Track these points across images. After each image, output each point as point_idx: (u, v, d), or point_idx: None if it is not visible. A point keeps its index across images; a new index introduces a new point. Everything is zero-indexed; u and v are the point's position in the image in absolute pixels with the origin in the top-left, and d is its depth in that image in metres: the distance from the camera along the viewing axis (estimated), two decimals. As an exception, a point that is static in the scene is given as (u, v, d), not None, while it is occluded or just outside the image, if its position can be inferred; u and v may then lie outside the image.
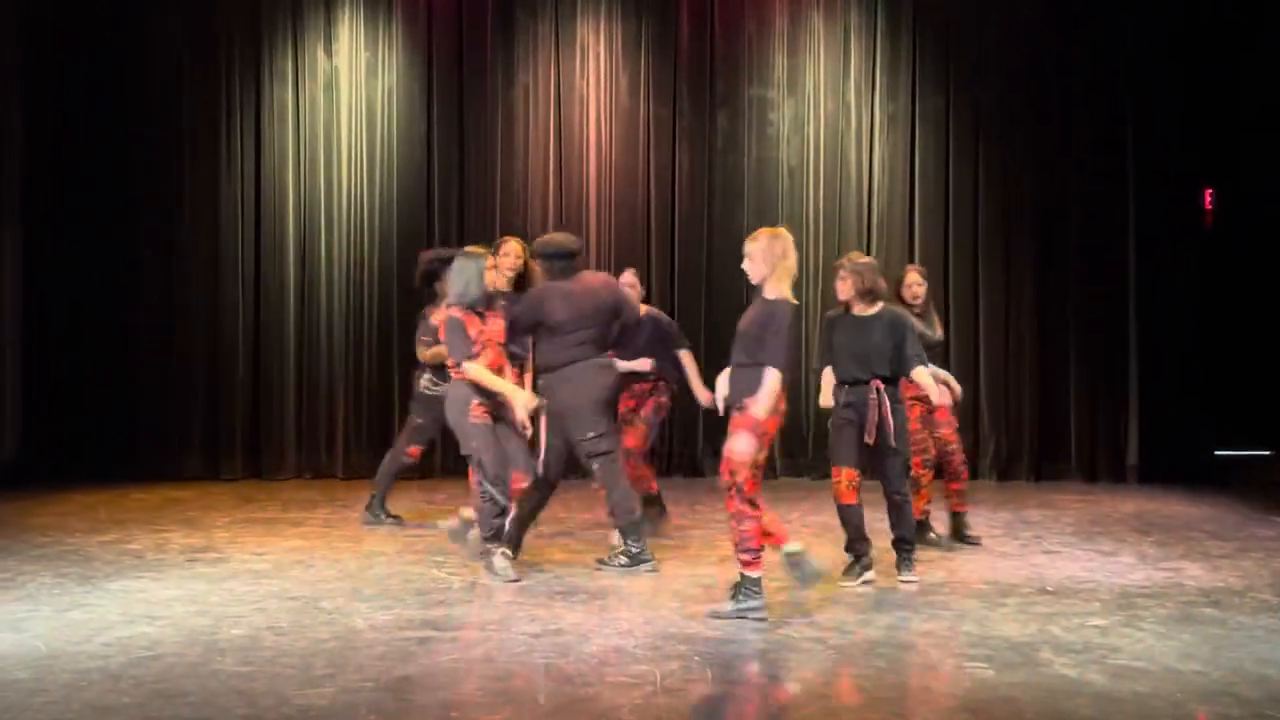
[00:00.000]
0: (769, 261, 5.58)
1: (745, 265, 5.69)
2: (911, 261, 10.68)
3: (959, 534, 7.51)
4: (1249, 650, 5.10)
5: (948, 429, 7.42)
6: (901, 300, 7.32)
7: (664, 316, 7.85)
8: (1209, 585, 6.38)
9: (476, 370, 6.35)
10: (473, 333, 6.37)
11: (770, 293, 5.61)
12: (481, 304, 6.44)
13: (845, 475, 6.28)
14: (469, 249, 6.68)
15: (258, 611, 5.73)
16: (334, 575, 6.57)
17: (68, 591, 6.13)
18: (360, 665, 4.83)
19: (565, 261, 6.78)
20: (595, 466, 6.58)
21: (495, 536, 6.43)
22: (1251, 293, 11.12)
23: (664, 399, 7.70)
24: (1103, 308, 10.68)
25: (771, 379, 5.46)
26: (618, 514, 6.64)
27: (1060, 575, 6.63)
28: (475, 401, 6.40)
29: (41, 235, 10.55)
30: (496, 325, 6.48)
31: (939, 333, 7.49)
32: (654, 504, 7.69)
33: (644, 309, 7.66)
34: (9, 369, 10.42)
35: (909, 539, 6.39)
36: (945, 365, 7.55)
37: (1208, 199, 10.88)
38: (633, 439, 7.47)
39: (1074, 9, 10.77)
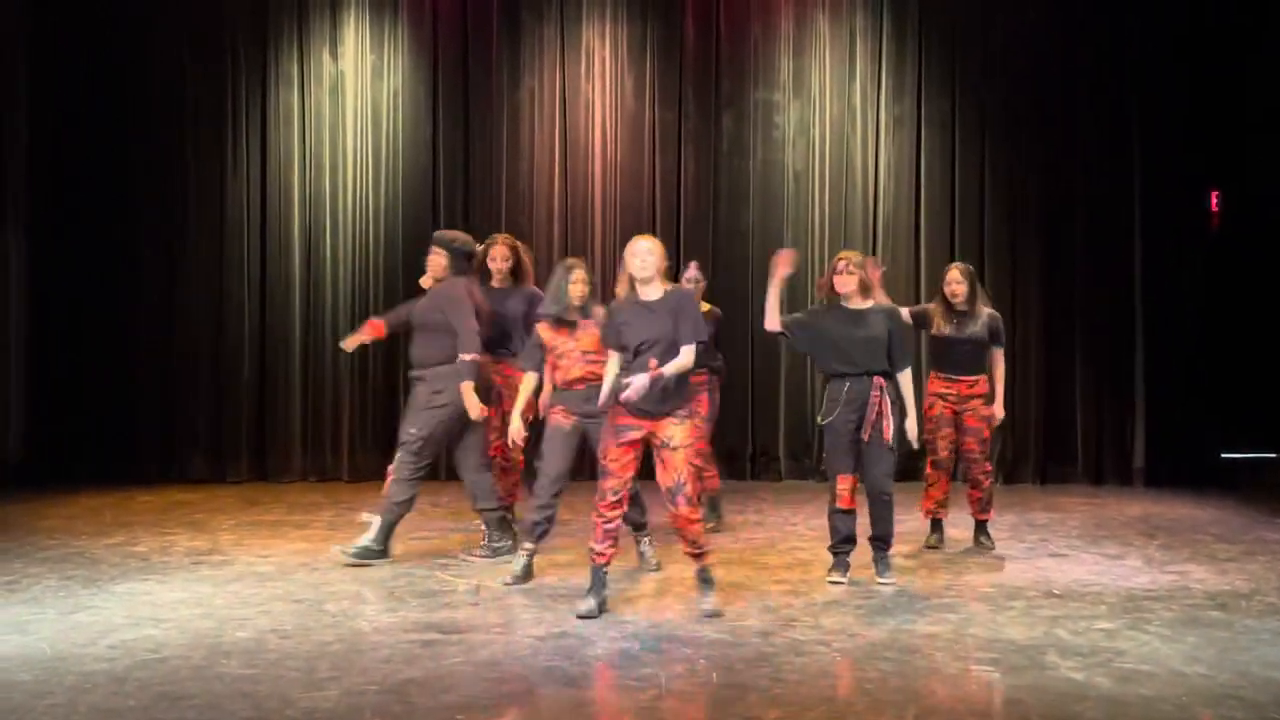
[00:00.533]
0: (664, 262, 5.75)
1: (649, 259, 5.69)
2: (917, 263, 10.71)
3: (975, 540, 7.42)
4: (1256, 654, 5.09)
5: (972, 439, 7.28)
6: (943, 298, 7.29)
7: (718, 318, 8.07)
8: (1215, 588, 6.37)
9: (523, 383, 6.55)
10: (552, 344, 6.46)
11: (661, 290, 5.71)
12: (573, 314, 6.44)
13: (849, 482, 6.32)
14: (567, 260, 6.72)
15: (262, 614, 5.74)
16: (338, 578, 6.57)
17: (73, 594, 6.14)
18: (365, 668, 4.83)
19: (468, 262, 7.09)
20: (401, 460, 6.92)
21: (527, 533, 6.55)
22: (1257, 295, 11.10)
23: (716, 395, 7.99)
24: (1109, 310, 10.66)
25: (691, 353, 5.63)
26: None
27: (1066, 578, 6.62)
28: (556, 405, 6.52)
29: (46, 237, 10.56)
30: (587, 337, 6.42)
31: (976, 330, 7.22)
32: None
33: (706, 307, 7.81)
34: (14, 371, 10.43)
35: (886, 539, 6.41)
36: (957, 367, 7.35)
37: (1214, 201, 10.85)
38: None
39: (1079, 12, 10.75)
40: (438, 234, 7.38)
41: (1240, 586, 6.42)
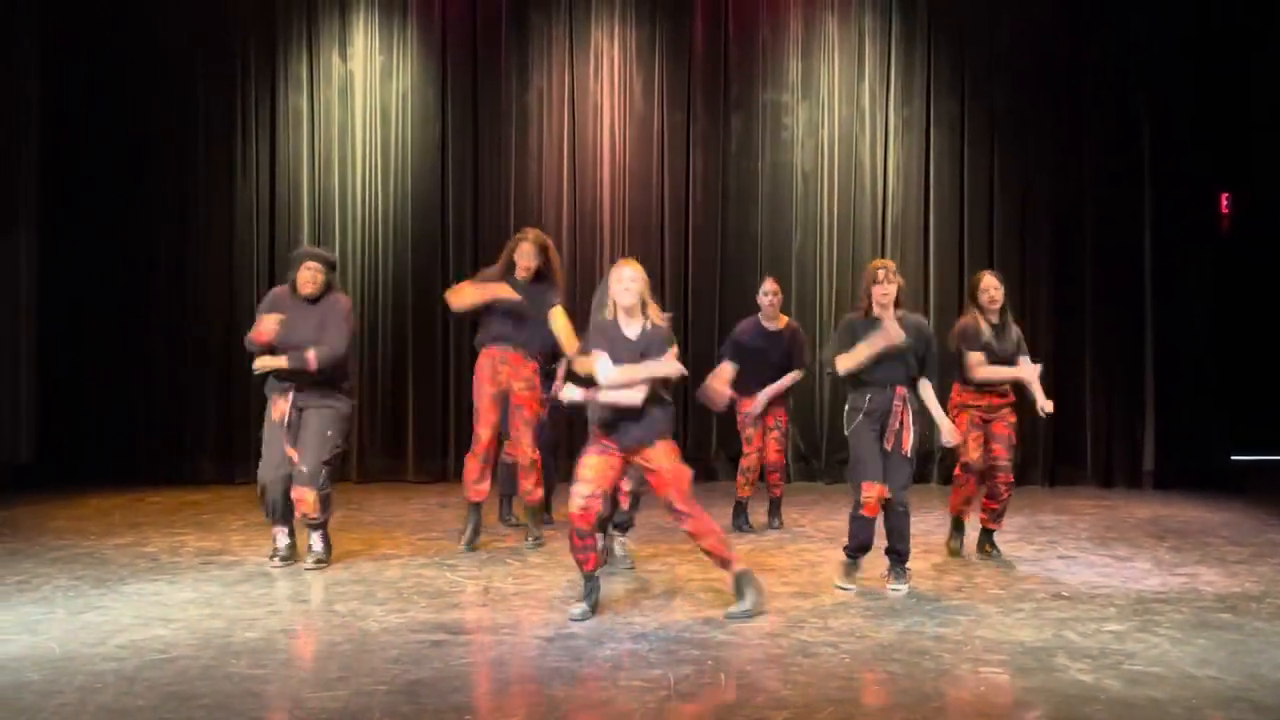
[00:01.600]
0: (647, 291, 5.70)
1: (633, 287, 5.62)
2: (926, 265, 10.70)
3: (980, 546, 7.31)
4: (1266, 656, 5.08)
5: (1001, 445, 7.08)
6: (978, 305, 7.20)
7: (800, 332, 8.30)
8: (1225, 591, 6.35)
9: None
10: None
11: (640, 325, 5.68)
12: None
13: (876, 490, 6.22)
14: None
15: (271, 614, 5.75)
16: (347, 578, 6.58)
17: (83, 594, 6.15)
18: (373, 668, 4.84)
19: (335, 274, 7.03)
20: (327, 475, 6.79)
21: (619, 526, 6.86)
22: (1267, 296, 11.09)
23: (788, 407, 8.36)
24: (1118, 311, 10.64)
25: (640, 395, 5.62)
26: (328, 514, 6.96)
27: (1076, 580, 6.61)
28: None
29: (56, 240, 10.59)
30: None
31: (1011, 344, 7.10)
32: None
33: (784, 320, 8.15)
34: (24, 372, 10.46)
35: (902, 551, 6.34)
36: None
37: (1224, 203, 10.83)
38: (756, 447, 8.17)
39: (1085, 12, 10.74)
40: (310, 250, 7.17)
41: (1250, 589, 6.40)
